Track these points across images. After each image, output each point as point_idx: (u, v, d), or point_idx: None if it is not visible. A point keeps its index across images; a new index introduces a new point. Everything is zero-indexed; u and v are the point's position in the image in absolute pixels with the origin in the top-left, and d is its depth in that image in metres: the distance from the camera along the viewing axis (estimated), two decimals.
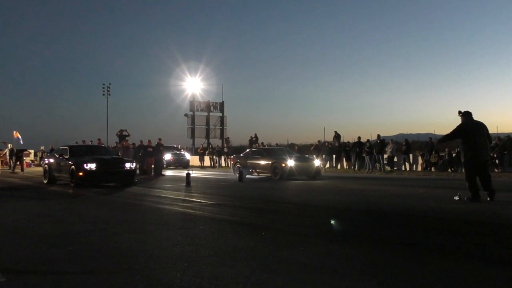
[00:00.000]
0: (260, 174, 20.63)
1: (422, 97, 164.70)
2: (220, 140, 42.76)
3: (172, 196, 11.96)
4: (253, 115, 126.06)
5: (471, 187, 9.94)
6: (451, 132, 10.38)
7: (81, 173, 15.28)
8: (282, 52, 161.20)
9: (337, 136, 28.61)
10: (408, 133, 33.22)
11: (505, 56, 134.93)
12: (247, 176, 19.98)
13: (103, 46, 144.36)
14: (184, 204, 10.11)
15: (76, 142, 26.71)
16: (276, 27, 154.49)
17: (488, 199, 9.78)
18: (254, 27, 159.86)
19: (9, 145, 31.92)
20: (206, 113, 44.71)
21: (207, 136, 44.01)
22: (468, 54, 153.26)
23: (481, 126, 10.18)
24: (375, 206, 9.52)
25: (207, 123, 44.67)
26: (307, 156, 22.26)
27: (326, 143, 29.21)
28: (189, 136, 44.26)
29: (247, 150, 24.15)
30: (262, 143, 32.11)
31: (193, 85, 46.53)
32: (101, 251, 5.29)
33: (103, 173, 15.69)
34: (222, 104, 45.21)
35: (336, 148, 27.79)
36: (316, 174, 19.36)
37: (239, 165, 20.94)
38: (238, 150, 36.70)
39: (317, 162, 20.33)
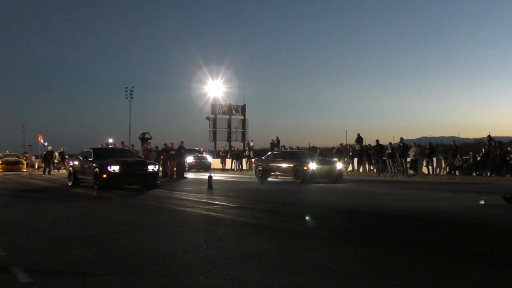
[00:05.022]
0: (282, 177, 20.53)
1: (446, 100, 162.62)
2: (242, 143, 42.76)
3: (194, 199, 12.01)
4: (275, 118, 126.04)
5: None
6: None
7: (105, 175, 15.40)
8: (303, 55, 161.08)
9: (359, 139, 28.36)
10: (431, 136, 32.72)
11: None
12: (269, 179, 19.93)
13: (126, 50, 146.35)
14: (206, 207, 10.15)
15: (102, 145, 27.05)
16: (297, 29, 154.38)
17: None
18: (275, 30, 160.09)
19: (49, 147, 32.84)
20: (227, 116, 44.72)
21: (229, 139, 44.04)
22: (493, 57, 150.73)
23: None
24: (398, 210, 9.38)
25: (229, 126, 44.67)
26: (329, 159, 22.08)
27: (348, 146, 28.98)
28: (210, 139, 44.30)
29: (269, 153, 24.05)
30: (284, 146, 32.01)
31: (215, 88, 46.61)
32: (125, 253, 5.35)
33: (127, 176, 15.84)
34: (243, 107, 45.18)
35: (358, 151, 27.56)
36: (338, 177, 19.19)
37: (260, 168, 20.88)
38: (259, 153, 36.65)
39: (339, 165, 20.10)
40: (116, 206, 10.98)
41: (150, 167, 16.52)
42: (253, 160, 25.89)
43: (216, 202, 11.05)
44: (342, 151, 27.80)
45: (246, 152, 34.96)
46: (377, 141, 25.67)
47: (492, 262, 4.86)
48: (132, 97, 59.73)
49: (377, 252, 5.35)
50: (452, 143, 24.69)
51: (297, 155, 20.74)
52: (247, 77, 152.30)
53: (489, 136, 22.45)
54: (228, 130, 44.50)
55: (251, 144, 36.34)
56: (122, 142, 28.13)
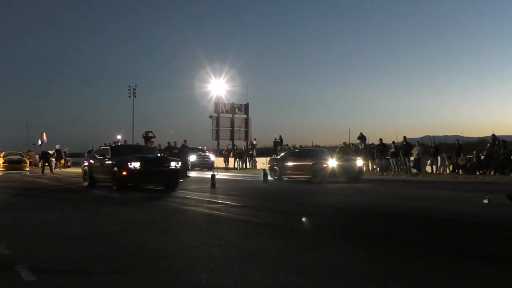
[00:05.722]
0: (296, 177, 19.75)
1: (450, 99, 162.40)
2: (245, 142, 42.80)
3: (197, 198, 12.02)
4: (278, 117, 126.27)
5: None
6: None
7: (124, 173, 14.26)
8: (306, 54, 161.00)
9: (362, 137, 28.30)
10: (435, 135, 32.62)
11: None
12: (285, 178, 19.74)
13: (129, 49, 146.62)
14: (210, 206, 10.15)
15: (105, 144, 27.11)
16: (300, 28, 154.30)
17: None
18: (278, 29, 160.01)
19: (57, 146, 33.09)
20: (230, 115, 44.74)
21: (232, 138, 44.05)
22: (497, 55, 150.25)
23: None
24: (400, 209, 9.35)
25: (232, 125, 44.68)
26: (348, 156, 21.49)
27: (351, 145, 28.93)
28: (213, 138, 44.33)
29: (284, 152, 23.42)
30: (287, 144, 31.98)
31: (218, 87, 46.61)
32: (128, 251, 5.35)
33: (148, 173, 14.55)
34: (246, 105, 45.17)
35: (362, 149, 27.52)
36: (358, 174, 18.77)
37: (276, 168, 20.48)
38: (262, 152, 36.62)
39: (359, 162, 19.47)
40: (119, 205, 10.99)
41: (173, 164, 15.27)
42: (268, 159, 25.60)
43: (219, 201, 11.06)
44: (345, 150, 27.76)
45: (249, 151, 34.98)
46: (381, 140, 25.66)
47: (495, 261, 4.84)
48: (135, 96, 60.01)
49: (379, 251, 5.34)
50: (456, 142, 24.68)
51: (315, 153, 20.18)
52: (250, 76, 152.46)
53: (493, 135, 22.40)
54: (231, 129, 44.49)
55: (254, 142, 36.34)
56: (125, 141, 28.20)
